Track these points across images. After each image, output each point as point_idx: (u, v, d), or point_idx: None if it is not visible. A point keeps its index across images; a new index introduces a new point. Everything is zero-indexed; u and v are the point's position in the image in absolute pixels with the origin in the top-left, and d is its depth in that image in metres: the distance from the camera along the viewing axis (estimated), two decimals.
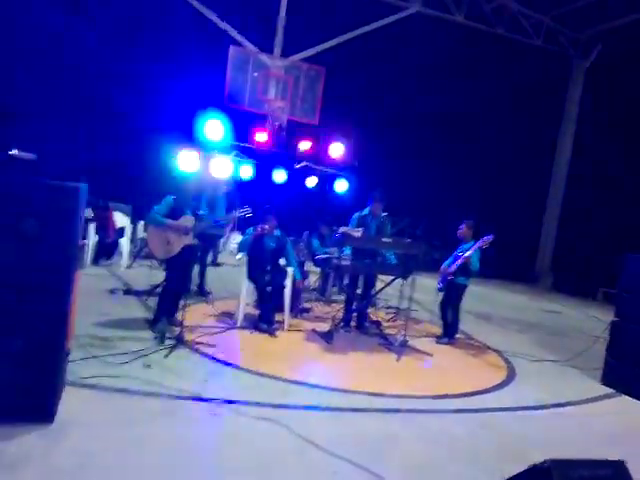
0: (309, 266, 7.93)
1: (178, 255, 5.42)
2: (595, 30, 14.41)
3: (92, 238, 8.93)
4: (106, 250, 9.21)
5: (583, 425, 4.38)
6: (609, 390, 5.36)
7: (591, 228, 13.25)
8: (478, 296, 10.10)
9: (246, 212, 6.00)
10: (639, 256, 5.37)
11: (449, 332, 6.52)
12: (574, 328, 8.69)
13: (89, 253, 8.91)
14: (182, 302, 5.31)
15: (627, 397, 5.19)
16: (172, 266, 5.52)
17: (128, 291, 7.06)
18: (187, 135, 7.10)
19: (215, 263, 10.14)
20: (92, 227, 8.99)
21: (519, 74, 13.93)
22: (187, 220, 5.46)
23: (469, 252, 6.16)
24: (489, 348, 6.56)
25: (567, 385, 5.44)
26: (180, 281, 5.61)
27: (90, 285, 7.15)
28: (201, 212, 5.56)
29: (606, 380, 5.52)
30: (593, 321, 9.41)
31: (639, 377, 5.12)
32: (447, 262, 6.47)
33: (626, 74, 12.74)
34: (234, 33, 11.09)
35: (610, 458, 2.87)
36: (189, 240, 5.46)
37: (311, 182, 8.55)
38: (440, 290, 6.51)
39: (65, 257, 2.98)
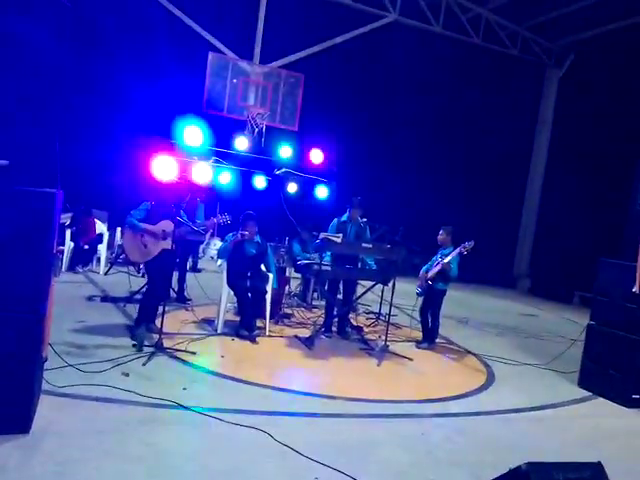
0: (290, 272, 7.93)
1: (156, 259, 5.39)
2: (568, 40, 14.76)
3: (68, 244, 8.80)
4: (83, 257, 9.09)
5: (561, 428, 4.45)
6: (586, 393, 5.45)
7: (568, 233, 13.48)
8: (457, 301, 10.19)
9: (225, 219, 5.98)
10: (612, 261, 5.49)
11: (429, 337, 6.57)
12: (551, 331, 8.82)
13: (65, 260, 8.77)
14: (161, 309, 5.25)
15: (603, 399, 5.29)
16: (152, 270, 5.50)
17: (106, 298, 6.97)
18: (166, 141, 7.05)
19: (195, 269, 10.05)
20: (68, 233, 8.88)
21: (496, 82, 14.19)
22: (165, 225, 5.43)
23: (448, 258, 6.22)
24: (468, 352, 6.63)
25: (545, 388, 5.51)
26: (163, 285, 5.58)
27: (67, 292, 7.05)
28: (181, 218, 5.52)
29: (583, 383, 5.61)
30: (570, 324, 9.58)
31: (614, 379, 5.22)
32: (426, 267, 6.53)
33: (597, 82, 13.08)
34: (213, 40, 11.08)
35: (587, 460, 2.93)
36: (167, 245, 5.43)
37: (291, 188, 8.55)
38: (419, 295, 6.56)
39: (40, 264, 2.94)
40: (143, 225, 5.37)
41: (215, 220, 6.08)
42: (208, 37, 11.12)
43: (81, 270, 8.93)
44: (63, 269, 8.68)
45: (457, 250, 6.24)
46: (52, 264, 3.10)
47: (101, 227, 9.27)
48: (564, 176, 14.07)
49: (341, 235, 5.99)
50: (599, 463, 2.88)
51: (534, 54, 15.07)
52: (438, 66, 13.41)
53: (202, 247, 12.03)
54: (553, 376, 6.00)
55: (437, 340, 6.69)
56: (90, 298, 6.96)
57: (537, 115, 15.96)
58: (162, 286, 5.58)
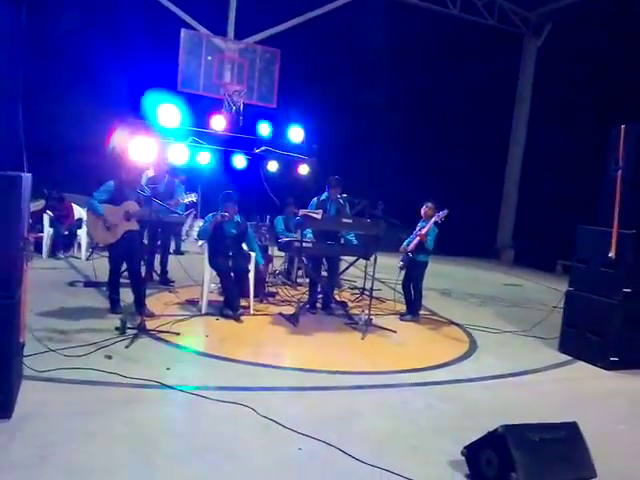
0: (273, 250, 7.92)
1: (120, 241, 5.36)
2: (546, 9, 14.68)
3: (48, 230, 8.68)
4: (63, 242, 8.98)
5: (540, 392, 4.55)
6: (566, 357, 5.57)
7: (550, 202, 13.63)
8: (441, 273, 10.29)
9: (191, 198, 5.98)
10: (589, 227, 5.56)
11: (412, 309, 6.64)
12: (534, 300, 8.96)
13: (46, 246, 8.67)
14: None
15: (583, 363, 5.41)
16: (115, 252, 5.49)
17: (88, 283, 6.91)
18: (140, 122, 6.94)
19: (178, 252, 10.00)
20: (47, 219, 8.75)
21: (474, 54, 14.13)
22: (129, 205, 5.37)
23: (425, 228, 6.27)
24: (452, 322, 6.72)
25: (527, 354, 5.62)
26: (133, 268, 5.54)
27: (49, 278, 6.98)
28: (145, 195, 5.44)
29: (563, 348, 5.73)
30: (552, 293, 9.73)
31: (593, 343, 5.33)
32: (407, 241, 6.56)
33: (575, 51, 13.08)
34: (185, 16, 10.82)
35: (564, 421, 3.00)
36: (132, 226, 5.38)
37: (272, 166, 8.50)
38: (401, 269, 6.60)
39: (10, 249, 2.89)
40: (102, 207, 5.31)
41: (180, 200, 6.05)
42: (180, 13, 10.86)
43: (62, 256, 8.83)
44: (44, 256, 8.59)
45: (432, 220, 6.29)
46: (23, 248, 3.06)
47: (80, 212, 9.13)
48: (544, 146, 14.17)
49: (321, 211, 5.98)
50: (574, 423, 2.96)
51: (512, 24, 14.99)
52: (415, 38, 13.32)
53: (185, 229, 11.94)
54: (534, 342, 6.11)
55: (420, 312, 6.76)
56: (72, 283, 6.90)
57: (516, 86, 15.94)
58: (133, 267, 5.55)
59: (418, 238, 6.29)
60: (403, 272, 6.65)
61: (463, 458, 2.93)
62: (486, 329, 6.45)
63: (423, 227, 6.37)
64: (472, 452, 2.90)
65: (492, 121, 14.99)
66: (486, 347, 5.70)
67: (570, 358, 5.53)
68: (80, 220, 9.03)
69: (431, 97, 13.89)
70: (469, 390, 4.37)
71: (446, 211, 6.27)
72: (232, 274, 5.95)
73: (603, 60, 12.15)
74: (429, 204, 6.54)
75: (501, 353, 5.56)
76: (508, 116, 15.93)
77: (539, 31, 15.44)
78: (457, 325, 6.61)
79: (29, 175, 3.02)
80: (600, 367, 5.23)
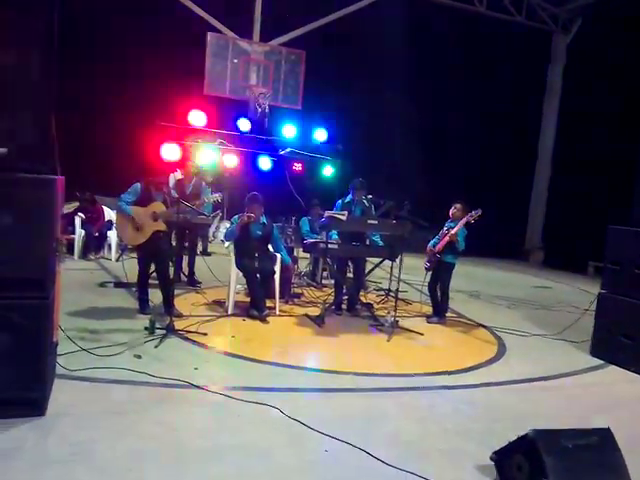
0: (298, 251, 7.94)
1: (149, 241, 5.45)
2: (575, 5, 14.38)
3: (79, 232, 8.89)
4: (94, 244, 9.18)
5: (572, 397, 4.45)
6: (598, 361, 5.44)
7: (581, 203, 13.30)
8: (468, 274, 10.17)
9: (216, 198, 6.07)
10: (621, 228, 5.41)
11: (439, 311, 6.57)
12: (564, 302, 8.77)
13: (77, 247, 8.87)
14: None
15: (615, 367, 5.27)
16: (144, 253, 5.59)
17: (118, 284, 7.05)
18: (168, 125, 7.05)
19: (205, 253, 10.12)
20: (78, 221, 8.95)
21: (502, 51, 13.90)
22: (156, 206, 5.47)
23: (455, 229, 6.18)
24: (479, 325, 6.63)
25: (557, 358, 5.50)
26: (161, 269, 5.62)
27: (80, 279, 7.15)
28: (171, 197, 5.55)
29: (594, 351, 5.59)
30: (583, 295, 9.51)
31: (626, 347, 5.19)
32: (433, 241, 6.49)
33: (606, 47, 12.75)
34: (211, 19, 10.95)
35: (597, 427, 2.93)
36: (159, 226, 5.48)
37: (297, 167, 8.53)
38: (427, 270, 6.53)
39: (44, 250, 2.97)
40: (132, 208, 5.42)
41: (206, 200, 6.15)
42: (207, 17, 10.99)
43: (93, 257, 9.03)
44: (76, 257, 8.80)
45: (464, 219, 6.18)
46: (57, 250, 3.13)
47: (110, 214, 9.32)
48: (575, 144, 13.84)
49: (346, 213, 5.96)
50: (608, 429, 2.88)
51: (540, 20, 14.73)
52: (442, 37, 13.17)
53: (212, 231, 12.08)
54: (565, 346, 5.98)
55: (447, 314, 6.68)
56: (102, 284, 7.05)
57: (545, 83, 15.65)
58: (164, 268, 5.64)
59: (448, 238, 6.20)
60: (429, 273, 6.58)
61: (492, 463, 2.89)
62: (515, 332, 6.34)
63: (452, 227, 6.28)
64: (501, 457, 2.85)
65: (521, 119, 14.73)
66: (515, 350, 5.60)
67: (602, 362, 5.40)
68: (110, 222, 9.21)
69: (458, 96, 13.68)
70: (498, 394, 4.30)
71: (479, 211, 6.14)
72: (258, 275, 5.99)
73: (635, 55, 11.82)
74: (457, 205, 6.44)
75: (530, 356, 5.45)
76: (537, 114, 15.64)
77: (568, 27, 15.13)
78: (485, 328, 6.52)
79: (62, 178, 3.10)
80: (633, 371, 5.09)
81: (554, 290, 10.55)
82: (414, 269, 7.65)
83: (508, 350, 5.59)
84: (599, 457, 2.75)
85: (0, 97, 2.81)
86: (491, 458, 2.90)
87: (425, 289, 6.84)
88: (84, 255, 8.97)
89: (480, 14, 13.69)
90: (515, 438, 2.80)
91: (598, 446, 2.80)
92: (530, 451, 2.65)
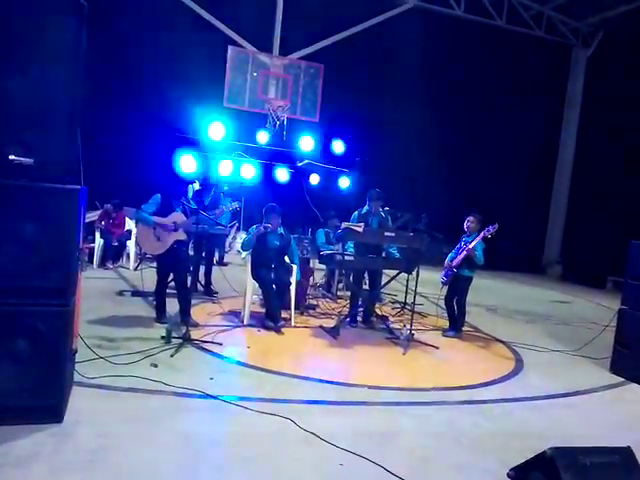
0: (314, 263, 7.95)
1: (169, 251, 5.52)
2: (596, 19, 14.31)
3: (99, 241, 9.03)
4: (113, 253, 9.30)
5: (591, 414, 4.36)
6: (618, 378, 5.34)
7: (600, 217, 13.14)
8: (485, 288, 10.08)
9: (234, 207, 6.13)
10: None
11: (455, 325, 6.51)
12: (583, 318, 8.64)
13: (96, 256, 9.01)
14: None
15: (636, 385, 5.17)
16: (163, 262, 5.67)
17: (136, 292, 7.12)
18: (188, 137, 7.16)
19: (221, 263, 10.19)
20: (98, 230, 9.10)
21: (521, 65, 13.89)
22: (176, 216, 5.54)
23: (473, 243, 6.14)
24: (496, 340, 6.55)
25: (575, 375, 5.41)
26: (180, 278, 5.68)
27: (98, 287, 7.24)
28: (191, 208, 5.62)
29: (615, 368, 5.49)
30: (603, 310, 9.36)
31: None
32: (450, 255, 6.46)
33: (628, 61, 12.65)
34: (232, 34, 11.15)
35: (618, 445, 2.87)
36: (180, 236, 5.54)
37: (314, 179, 8.57)
38: (444, 284, 6.50)
39: (66, 259, 3.02)
40: (153, 218, 5.49)
41: (225, 209, 6.22)
42: (227, 31, 11.20)
43: (111, 266, 9.15)
44: (95, 266, 8.93)
45: (481, 234, 6.15)
46: (79, 259, 3.19)
47: (129, 223, 9.46)
48: (594, 158, 13.71)
49: (363, 224, 5.97)
50: (629, 448, 2.83)
51: (560, 34, 14.70)
52: (461, 51, 13.21)
53: (228, 241, 12.18)
54: (584, 362, 5.88)
55: (464, 328, 6.62)
56: (120, 293, 7.14)
57: (564, 96, 15.57)
58: (183, 277, 5.71)
59: (465, 253, 6.17)
60: (446, 287, 6.54)
61: None
62: (533, 347, 6.26)
63: (469, 242, 6.25)
64: (519, 474, 2.81)
65: (540, 133, 14.64)
66: (533, 366, 5.52)
67: (622, 379, 5.30)
68: (129, 232, 9.35)
69: (476, 110, 13.69)
70: (516, 410, 4.23)
71: (496, 226, 6.10)
72: (274, 286, 6.00)
73: None
74: (470, 217, 6.41)
75: (549, 373, 5.37)
76: (556, 127, 15.55)
77: (589, 41, 15.07)
78: (502, 343, 6.44)
79: (85, 188, 3.16)
80: None
81: (573, 305, 10.40)
82: (430, 282, 7.60)
83: (526, 366, 5.51)
84: (619, 476, 2.70)
85: (27, 110, 2.89)
86: (508, 475, 2.86)
87: (441, 302, 6.79)
88: (102, 264, 9.10)
89: (500, 28, 13.70)
90: (533, 455, 2.75)
91: (618, 465, 2.74)
92: (548, 469, 2.61)
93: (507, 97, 13.81)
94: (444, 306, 6.65)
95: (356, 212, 6.67)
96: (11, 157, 2.82)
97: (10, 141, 2.83)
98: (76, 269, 3.18)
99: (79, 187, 3.03)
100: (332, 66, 10.34)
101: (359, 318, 6.65)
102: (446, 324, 6.70)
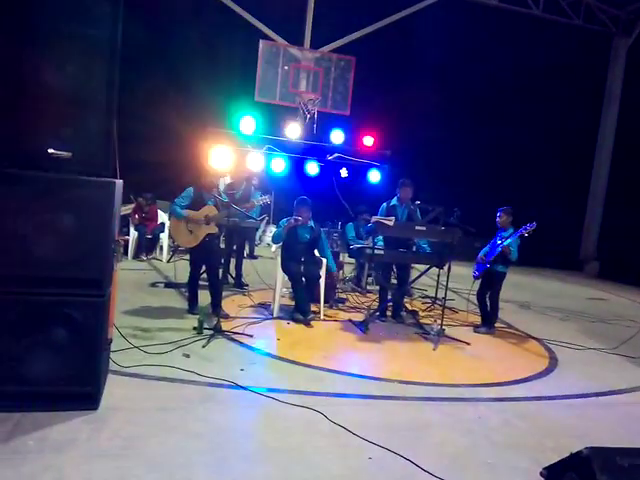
0: (344, 256, 7.94)
1: (202, 244, 5.61)
2: (637, 5, 13.78)
3: (133, 234, 9.23)
4: (147, 245, 9.49)
5: (627, 414, 4.24)
6: None
7: (638, 212, 12.72)
8: (519, 285, 9.89)
9: (265, 200, 6.18)
10: None
11: (487, 321, 6.41)
12: (620, 315, 8.39)
13: (131, 248, 9.21)
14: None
15: None
16: (196, 255, 5.76)
17: (169, 284, 7.26)
18: (221, 130, 7.22)
19: (252, 256, 10.28)
20: (132, 223, 9.30)
21: (559, 55, 13.49)
22: (208, 210, 5.61)
23: (508, 240, 6.02)
24: (530, 337, 6.42)
25: (611, 373, 5.26)
26: (212, 270, 5.75)
27: (133, 279, 7.41)
28: (223, 201, 5.69)
29: None
30: None
31: None
32: (484, 250, 6.35)
33: None
34: (263, 27, 11.18)
35: None
36: (211, 229, 5.62)
37: (344, 173, 8.53)
38: (476, 279, 6.40)
39: (102, 250, 3.09)
40: (186, 212, 5.58)
41: (255, 202, 6.27)
42: (259, 25, 11.24)
43: (145, 258, 9.34)
44: (129, 257, 9.13)
45: (518, 232, 6.02)
46: (114, 250, 3.26)
47: (163, 216, 9.63)
48: (634, 153, 13.24)
49: (393, 218, 5.92)
50: None
51: (599, 23, 14.21)
52: (496, 41, 12.91)
53: (259, 234, 12.27)
54: (621, 361, 5.72)
55: (496, 324, 6.51)
56: (154, 284, 7.28)
57: (604, 88, 15.06)
58: (215, 270, 5.79)
59: (500, 249, 6.06)
60: (477, 282, 6.44)
61: (542, 479, 2.79)
62: (568, 345, 6.11)
63: (504, 237, 6.13)
64: (552, 473, 2.74)
65: (578, 125, 14.22)
66: (568, 364, 5.39)
67: None
68: (163, 224, 9.51)
69: (513, 102, 13.37)
70: (549, 408, 4.15)
71: (534, 225, 5.97)
72: (303, 279, 6.02)
73: None
74: (501, 212, 6.30)
75: (584, 371, 5.23)
76: (595, 119, 15.06)
77: (630, 29, 14.52)
78: (536, 340, 6.31)
79: (120, 181, 3.22)
80: None
81: (610, 302, 10.10)
82: (461, 277, 7.50)
83: (560, 363, 5.39)
84: None
85: (66, 104, 2.96)
86: (541, 474, 2.80)
87: (472, 297, 6.69)
88: (137, 255, 9.30)
89: (536, 17, 13.33)
90: (566, 455, 2.69)
91: None
92: (584, 469, 2.54)
93: (543, 88, 13.46)
94: (476, 302, 6.55)
95: (384, 204, 6.62)
96: (50, 151, 2.90)
97: (49, 135, 2.90)
98: (111, 260, 3.25)
99: (114, 180, 3.09)
100: (363, 59, 10.24)
101: (388, 312, 6.61)
102: (478, 320, 6.61)
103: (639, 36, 14.46)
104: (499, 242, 6.16)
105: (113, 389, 3.50)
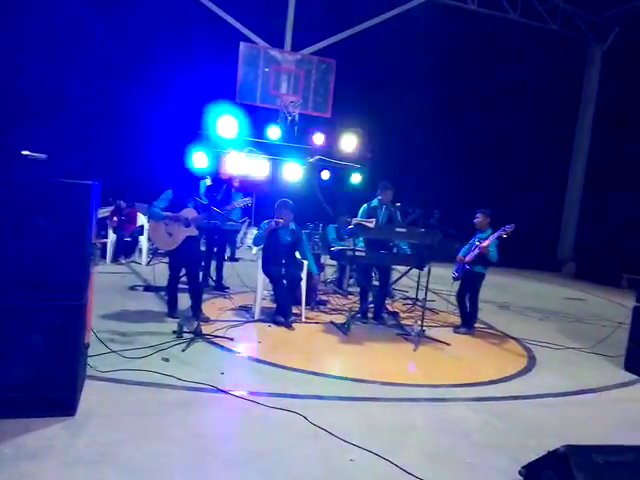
0: (325, 259, 7.95)
1: (181, 247, 5.56)
2: (612, 12, 14.10)
3: (111, 237, 9.11)
4: (125, 248, 9.37)
5: (604, 412, 4.31)
6: (632, 376, 5.27)
7: (614, 214, 12.98)
8: (498, 285, 10.00)
9: (245, 202, 6.15)
10: None
11: (467, 321, 6.47)
12: (597, 315, 8.55)
13: (109, 251, 9.08)
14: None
15: None
16: (175, 258, 5.68)
17: (148, 288, 7.17)
18: (200, 133, 7.19)
19: (233, 259, 10.23)
20: (110, 226, 9.18)
21: (535, 60, 13.72)
22: (188, 212, 5.56)
23: (487, 242, 6.09)
24: (509, 337, 6.50)
25: (589, 372, 5.35)
26: (192, 273, 5.70)
27: (111, 282, 7.30)
28: (202, 203, 5.65)
29: (629, 366, 5.43)
30: (617, 308, 9.26)
31: None
32: (463, 251, 6.42)
33: None
34: (244, 29, 11.15)
35: (631, 444, 2.83)
36: (191, 232, 5.56)
37: (325, 175, 8.56)
38: (455, 279, 6.46)
39: (79, 254, 3.04)
40: (165, 213, 5.52)
41: (236, 204, 6.24)
42: (239, 26, 11.20)
43: (124, 261, 9.22)
44: (108, 261, 9.00)
45: (497, 234, 6.10)
46: (91, 254, 3.21)
47: (142, 219, 9.53)
48: (609, 153, 13.53)
49: (374, 220, 5.94)
50: None
51: (575, 28, 14.50)
52: (474, 45, 13.08)
53: (240, 237, 12.21)
54: (598, 360, 5.82)
55: (476, 325, 6.58)
56: (133, 288, 7.19)
57: (580, 91, 15.37)
58: (194, 273, 5.72)
59: (478, 251, 6.13)
60: (457, 283, 6.50)
61: (521, 478, 2.82)
62: (546, 344, 6.20)
63: (482, 238, 6.20)
64: (531, 472, 2.78)
65: (554, 129, 14.47)
66: (546, 363, 5.47)
67: (636, 377, 5.25)
68: (142, 227, 9.41)
69: (489, 104, 13.55)
70: (528, 407, 4.20)
71: (513, 226, 6.05)
72: (284, 281, 6.01)
73: None
74: (478, 214, 6.38)
75: (562, 370, 5.31)
76: (571, 123, 15.35)
77: (605, 35, 14.84)
78: (515, 340, 6.39)
79: (98, 184, 3.18)
80: None
81: (587, 302, 10.29)
82: (441, 278, 7.56)
83: (539, 363, 5.46)
84: (633, 475, 2.66)
85: (39, 106, 2.91)
86: (520, 473, 2.84)
87: (453, 299, 6.76)
88: (115, 259, 9.17)
89: (514, 22, 13.54)
90: (545, 453, 2.73)
91: (632, 464, 2.70)
92: (561, 467, 2.58)
93: (521, 92, 13.66)
94: (456, 302, 6.61)
95: (365, 205, 6.65)
96: (24, 152, 2.85)
97: (23, 137, 2.85)
98: (88, 264, 3.20)
99: (91, 182, 3.05)
100: (344, 61, 10.28)
101: (370, 314, 6.63)
102: (458, 321, 6.66)
103: (614, 42, 14.78)
104: (477, 243, 6.23)
105: (90, 395, 3.44)
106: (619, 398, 4.71)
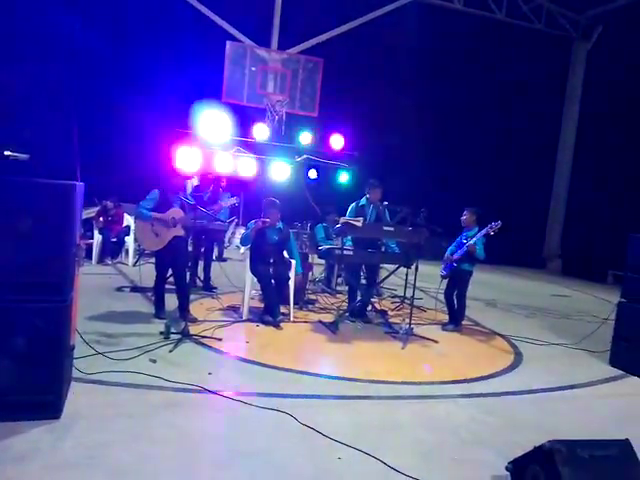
0: (313, 258, 7.94)
1: (167, 246, 5.52)
2: (596, 11, 14.25)
3: (97, 237, 9.02)
4: (112, 249, 9.29)
5: (590, 407, 4.37)
6: (618, 371, 5.34)
7: (600, 211, 13.12)
8: (485, 283, 10.07)
9: (233, 202, 6.14)
10: None
11: (455, 319, 6.51)
12: (583, 311, 8.64)
13: (95, 252, 9.00)
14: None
15: (635, 378, 5.17)
16: (162, 258, 5.64)
17: (135, 288, 7.12)
18: (187, 132, 7.14)
19: (221, 259, 10.18)
20: (96, 226, 9.09)
21: (520, 59, 13.81)
22: (174, 212, 5.53)
23: (473, 240, 6.13)
24: (496, 334, 6.55)
25: (575, 368, 5.41)
26: (178, 274, 5.67)
27: (97, 283, 7.24)
28: (189, 203, 5.62)
29: (614, 362, 5.49)
30: (603, 304, 9.36)
31: None
32: (450, 249, 6.45)
33: (628, 55, 12.59)
34: (230, 28, 11.10)
35: (616, 438, 2.87)
36: (178, 232, 5.53)
37: (312, 174, 8.56)
38: (444, 277, 6.49)
39: (63, 254, 3.01)
40: (152, 214, 5.48)
41: (223, 204, 6.22)
42: (225, 26, 11.15)
43: (110, 262, 9.13)
44: (93, 262, 8.92)
45: (483, 231, 6.14)
46: (76, 254, 3.18)
47: (128, 219, 9.45)
48: (594, 151, 13.68)
49: (362, 219, 5.95)
50: (626, 440, 2.83)
51: (560, 27, 14.63)
52: (461, 45, 13.13)
53: (228, 237, 12.16)
54: (583, 356, 5.89)
55: (463, 322, 6.62)
56: (119, 289, 7.13)
57: (564, 90, 15.52)
58: (181, 273, 5.69)
59: (465, 248, 6.16)
60: (445, 281, 6.54)
61: (507, 473, 2.85)
62: (532, 341, 6.26)
63: (469, 236, 6.24)
64: (517, 467, 2.81)
65: (540, 127, 14.59)
66: (532, 360, 5.52)
67: (621, 373, 5.31)
68: (128, 227, 9.33)
69: (477, 104, 13.62)
70: (514, 403, 4.24)
71: (499, 223, 6.09)
72: (272, 281, 6.00)
73: None
74: (465, 212, 6.42)
75: (548, 366, 5.37)
76: (556, 121, 15.49)
77: (589, 34, 14.99)
78: (502, 336, 6.44)
79: (82, 184, 3.15)
80: None
81: (573, 299, 10.39)
82: (429, 276, 7.59)
83: (525, 359, 5.51)
84: (617, 469, 2.70)
85: (23, 106, 2.87)
86: (507, 468, 2.86)
87: (440, 296, 6.79)
88: (101, 260, 9.09)
89: (500, 22, 13.63)
90: (531, 448, 2.76)
91: (616, 458, 2.74)
92: (546, 462, 2.61)
93: (507, 90, 13.75)
94: (444, 300, 6.64)
95: (354, 204, 6.64)
96: (7, 153, 2.81)
97: (6, 137, 2.82)
98: (73, 265, 3.17)
99: (74, 183, 3.02)
100: (331, 60, 10.29)
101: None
102: (445, 318, 6.70)
103: (598, 40, 14.94)
104: (464, 241, 6.27)
105: (76, 397, 3.41)
106: (605, 393, 4.77)
